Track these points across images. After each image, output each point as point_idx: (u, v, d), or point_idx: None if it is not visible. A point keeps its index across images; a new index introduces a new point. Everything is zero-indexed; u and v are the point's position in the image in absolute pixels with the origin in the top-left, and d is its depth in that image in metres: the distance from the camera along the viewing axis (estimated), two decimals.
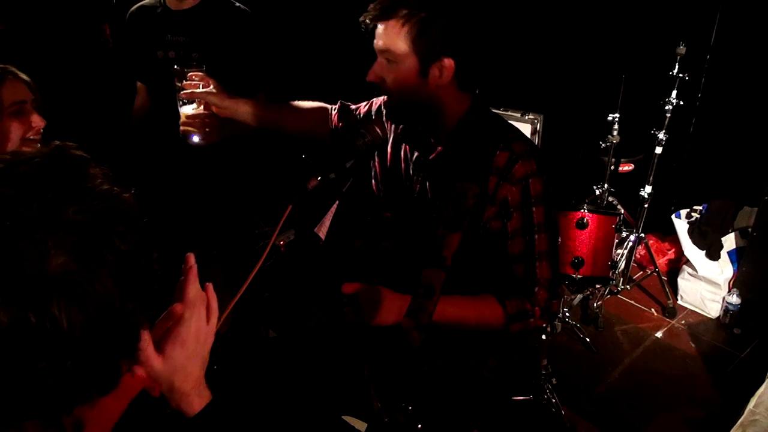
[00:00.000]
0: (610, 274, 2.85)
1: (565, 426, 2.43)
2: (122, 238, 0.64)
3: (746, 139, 3.32)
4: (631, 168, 3.46)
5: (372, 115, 1.69)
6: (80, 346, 0.61)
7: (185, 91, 1.69)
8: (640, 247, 3.43)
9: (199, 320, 0.87)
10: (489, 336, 1.48)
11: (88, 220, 0.62)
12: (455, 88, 1.42)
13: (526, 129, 3.09)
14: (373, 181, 1.70)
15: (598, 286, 3.07)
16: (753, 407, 1.93)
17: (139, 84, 2.26)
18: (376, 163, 1.67)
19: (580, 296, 3.20)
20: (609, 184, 3.14)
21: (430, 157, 1.49)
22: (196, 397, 0.86)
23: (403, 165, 1.59)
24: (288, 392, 1.73)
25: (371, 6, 1.37)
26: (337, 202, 1.69)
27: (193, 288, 0.88)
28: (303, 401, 1.65)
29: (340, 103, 1.79)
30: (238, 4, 2.09)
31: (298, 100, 1.84)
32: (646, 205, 3.19)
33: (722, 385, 2.69)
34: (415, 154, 1.54)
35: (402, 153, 1.58)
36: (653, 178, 3.14)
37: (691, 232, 3.28)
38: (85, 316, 0.60)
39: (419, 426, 1.17)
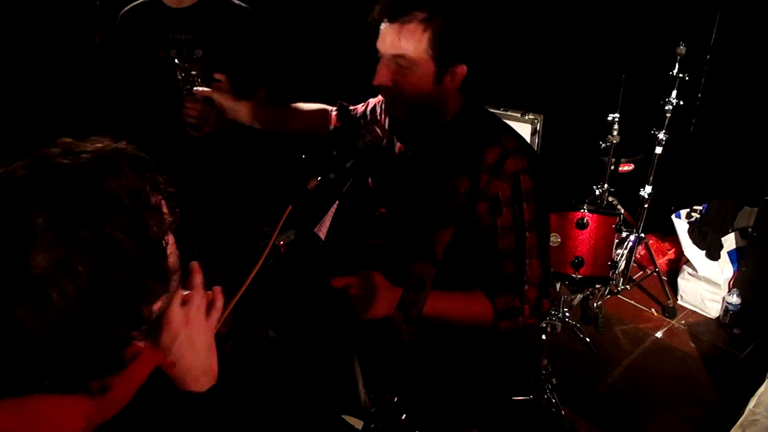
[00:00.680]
0: (610, 274, 2.85)
1: (565, 426, 2.43)
2: (100, 220, 0.71)
3: (746, 139, 3.32)
4: (631, 168, 3.46)
5: (369, 115, 1.69)
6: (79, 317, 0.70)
7: (199, 89, 1.80)
8: (640, 247, 3.43)
9: (199, 309, 0.95)
10: (483, 333, 1.48)
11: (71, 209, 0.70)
12: (456, 90, 1.42)
13: (526, 129, 3.10)
14: (369, 177, 1.70)
15: (598, 286, 3.07)
16: (753, 407, 1.93)
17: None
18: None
19: (580, 296, 3.20)
20: (609, 184, 3.14)
21: (423, 153, 1.49)
22: (202, 376, 0.92)
23: (396, 160, 1.59)
24: (288, 392, 1.73)
25: (380, 6, 1.33)
26: (337, 202, 1.69)
27: (199, 277, 0.97)
28: (303, 401, 1.65)
29: (339, 104, 1.79)
30: (237, 1, 2.09)
31: (299, 96, 1.85)
32: (646, 205, 3.19)
33: (722, 385, 2.69)
34: (408, 152, 1.54)
35: (396, 149, 1.58)
36: (653, 178, 3.14)
37: (691, 232, 3.28)
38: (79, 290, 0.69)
39: (403, 416, 1.18)
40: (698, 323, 3.17)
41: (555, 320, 2.75)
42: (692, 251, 3.25)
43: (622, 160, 3.39)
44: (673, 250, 3.60)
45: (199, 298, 0.94)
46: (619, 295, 3.35)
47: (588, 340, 2.93)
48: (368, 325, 1.36)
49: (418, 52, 1.31)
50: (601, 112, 3.03)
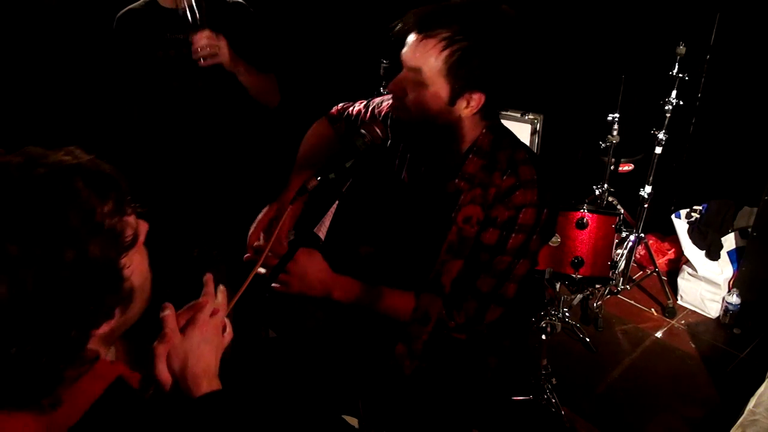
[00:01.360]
0: (610, 274, 2.85)
1: (565, 426, 2.43)
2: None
3: (746, 139, 3.32)
4: (631, 168, 3.46)
5: (369, 115, 1.69)
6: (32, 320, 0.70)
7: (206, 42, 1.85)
8: (640, 247, 3.43)
9: (211, 318, 1.01)
10: (489, 335, 1.47)
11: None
12: (476, 117, 1.39)
13: (526, 129, 3.10)
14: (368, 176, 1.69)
15: (597, 286, 3.07)
16: (753, 407, 1.93)
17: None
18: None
19: (580, 296, 3.20)
20: (609, 184, 3.14)
21: (439, 178, 1.47)
22: (204, 381, 0.95)
23: (397, 165, 1.58)
24: (288, 392, 1.73)
25: (413, 14, 1.30)
26: (337, 202, 1.69)
27: (212, 285, 1.05)
28: (303, 401, 1.65)
29: (336, 111, 1.78)
30: None
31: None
32: (646, 205, 3.19)
33: (722, 385, 2.69)
34: (422, 168, 1.52)
35: (397, 155, 1.58)
36: (653, 178, 3.14)
37: (691, 232, 3.28)
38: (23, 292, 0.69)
39: None
40: (698, 323, 3.17)
41: (555, 320, 2.74)
42: (692, 251, 3.25)
43: (622, 160, 3.39)
44: (673, 250, 3.60)
45: (209, 308, 1.01)
46: (619, 295, 3.35)
47: (588, 340, 2.93)
48: (371, 362, 1.36)
49: (432, 69, 1.28)
50: (601, 112, 3.03)
